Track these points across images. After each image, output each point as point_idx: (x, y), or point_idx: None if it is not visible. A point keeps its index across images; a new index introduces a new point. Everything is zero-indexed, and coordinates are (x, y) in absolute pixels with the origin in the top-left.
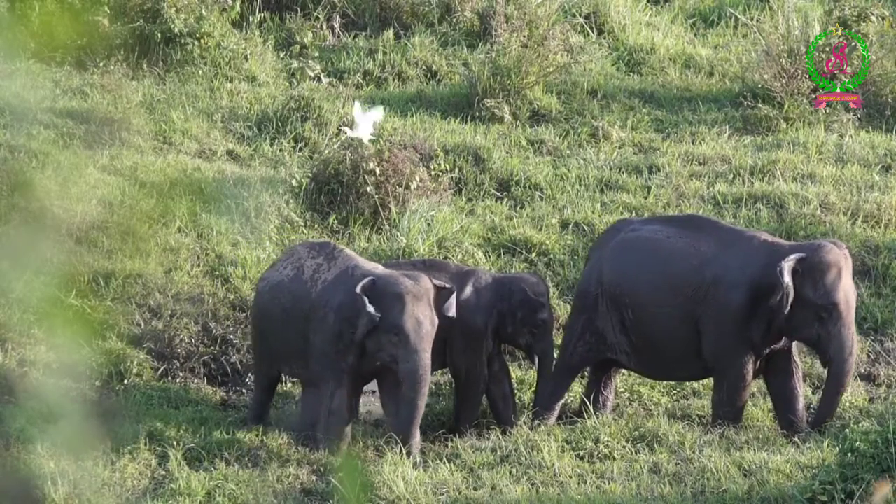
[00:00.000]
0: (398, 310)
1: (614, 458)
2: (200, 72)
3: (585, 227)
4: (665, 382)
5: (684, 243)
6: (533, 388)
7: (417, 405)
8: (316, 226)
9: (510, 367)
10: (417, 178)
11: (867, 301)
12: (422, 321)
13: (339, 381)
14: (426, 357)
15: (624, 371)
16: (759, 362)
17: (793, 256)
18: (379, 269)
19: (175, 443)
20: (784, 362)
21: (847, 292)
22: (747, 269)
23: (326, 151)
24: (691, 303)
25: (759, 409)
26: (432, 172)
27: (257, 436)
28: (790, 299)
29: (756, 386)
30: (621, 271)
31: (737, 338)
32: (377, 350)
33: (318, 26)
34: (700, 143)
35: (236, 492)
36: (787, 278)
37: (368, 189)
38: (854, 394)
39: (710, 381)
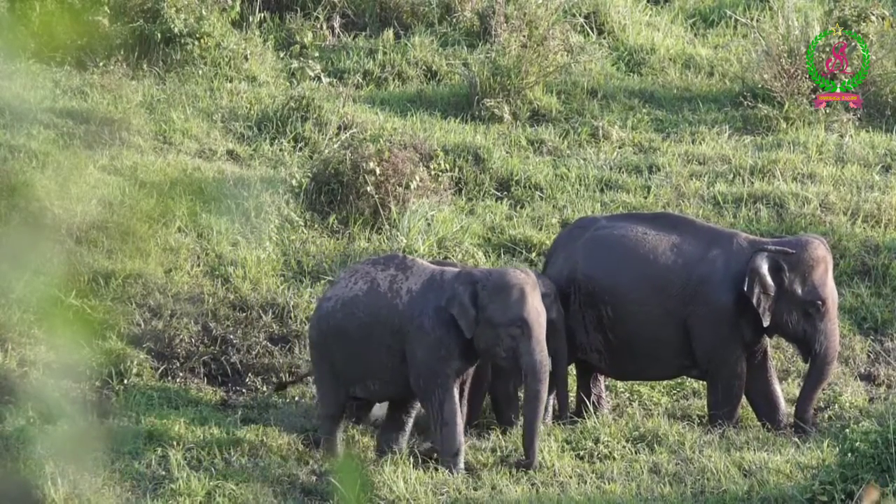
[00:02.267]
0: (520, 302)
1: (614, 458)
2: (200, 72)
3: None
4: (665, 382)
5: (666, 241)
6: None
7: (542, 398)
8: (316, 226)
9: None
10: (417, 178)
11: (867, 301)
12: (541, 312)
13: (445, 389)
14: (546, 348)
15: None
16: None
17: (771, 248)
18: (461, 268)
19: (175, 443)
20: (762, 361)
21: (833, 287)
22: (734, 267)
23: (326, 151)
24: (677, 302)
25: None
26: (432, 172)
27: (257, 436)
28: (768, 291)
29: None
30: (599, 267)
31: (729, 337)
32: (492, 346)
33: (318, 26)
34: (700, 143)
35: (236, 492)
36: (764, 269)
37: (368, 189)
38: (854, 394)
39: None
